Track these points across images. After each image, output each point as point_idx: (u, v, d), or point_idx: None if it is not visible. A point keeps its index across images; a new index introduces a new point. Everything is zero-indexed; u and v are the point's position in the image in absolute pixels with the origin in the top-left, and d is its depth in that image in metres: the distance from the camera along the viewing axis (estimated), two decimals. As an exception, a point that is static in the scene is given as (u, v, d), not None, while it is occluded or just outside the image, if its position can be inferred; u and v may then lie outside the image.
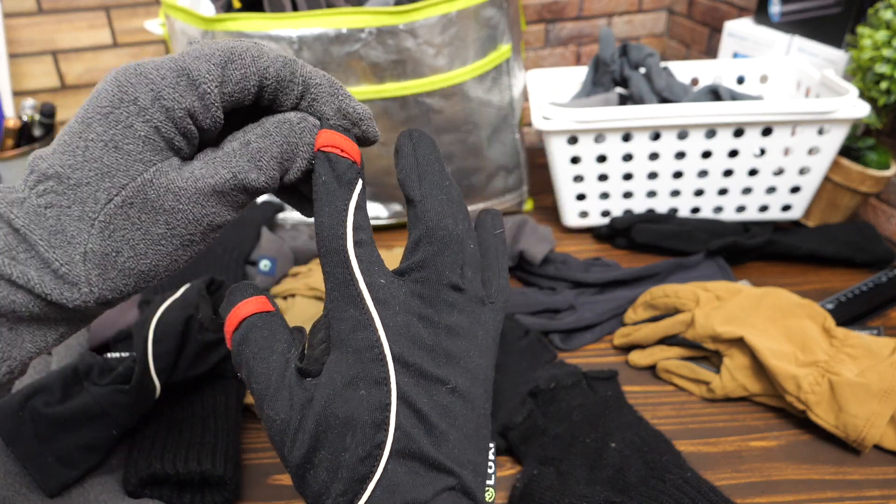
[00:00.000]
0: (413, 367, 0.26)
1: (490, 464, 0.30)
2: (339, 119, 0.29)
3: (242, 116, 0.29)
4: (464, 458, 0.27)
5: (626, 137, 0.73)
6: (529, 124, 0.80)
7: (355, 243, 0.27)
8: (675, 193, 0.78)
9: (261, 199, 0.80)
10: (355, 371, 0.26)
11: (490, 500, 0.29)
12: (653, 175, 0.76)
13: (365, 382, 0.26)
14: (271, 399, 0.27)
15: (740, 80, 0.85)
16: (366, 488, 0.25)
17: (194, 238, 0.27)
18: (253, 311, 0.29)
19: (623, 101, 0.82)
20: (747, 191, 0.77)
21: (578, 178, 0.78)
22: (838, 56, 0.80)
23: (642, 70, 0.80)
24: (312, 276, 0.69)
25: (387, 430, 0.25)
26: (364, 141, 0.31)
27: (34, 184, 0.25)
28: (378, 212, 0.83)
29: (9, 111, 0.96)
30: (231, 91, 0.27)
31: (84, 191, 0.25)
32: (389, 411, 0.25)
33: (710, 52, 1.14)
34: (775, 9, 0.89)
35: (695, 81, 0.85)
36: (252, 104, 0.29)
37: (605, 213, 0.80)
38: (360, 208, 0.28)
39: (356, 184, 0.28)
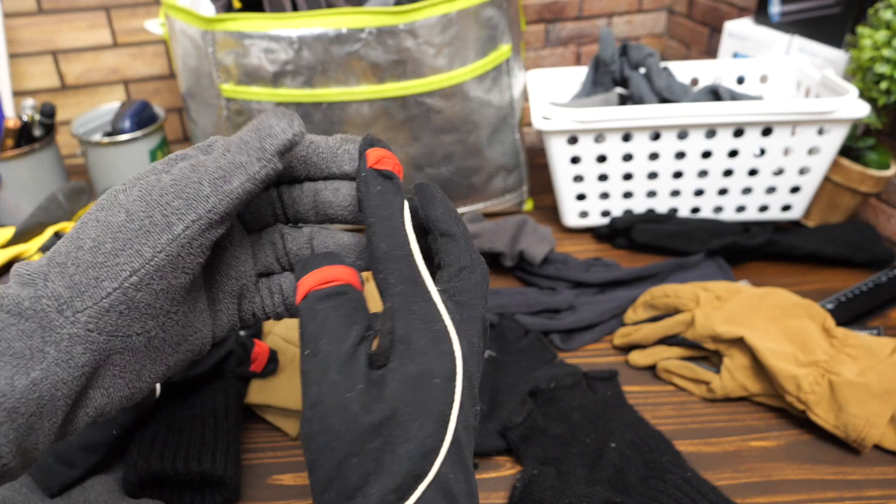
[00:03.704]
0: (469, 372, 0.26)
1: None
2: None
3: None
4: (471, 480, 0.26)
5: (626, 137, 0.73)
6: (529, 124, 0.80)
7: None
8: (675, 193, 0.78)
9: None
10: (429, 361, 0.25)
11: None
12: (653, 175, 0.76)
13: (440, 375, 0.25)
14: (339, 366, 0.25)
15: (740, 80, 0.85)
16: (418, 486, 0.23)
17: (155, 221, 0.25)
18: (348, 280, 0.29)
19: (623, 101, 0.82)
20: (747, 191, 0.77)
21: (578, 178, 0.78)
22: (838, 56, 0.80)
23: (642, 70, 0.80)
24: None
25: (447, 428, 0.24)
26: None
27: None
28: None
29: (9, 111, 0.95)
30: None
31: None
32: (452, 409, 0.25)
33: (710, 52, 1.14)
34: (775, 9, 0.89)
35: (695, 81, 0.85)
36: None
37: (605, 213, 0.80)
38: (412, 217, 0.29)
39: (404, 193, 0.29)
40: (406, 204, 0.29)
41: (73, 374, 0.24)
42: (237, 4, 0.80)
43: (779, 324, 0.57)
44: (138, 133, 0.87)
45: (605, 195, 0.78)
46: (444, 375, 0.25)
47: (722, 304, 0.60)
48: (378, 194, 0.29)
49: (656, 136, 0.72)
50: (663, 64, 0.80)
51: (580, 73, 0.86)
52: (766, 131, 0.71)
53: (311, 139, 0.31)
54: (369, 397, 0.24)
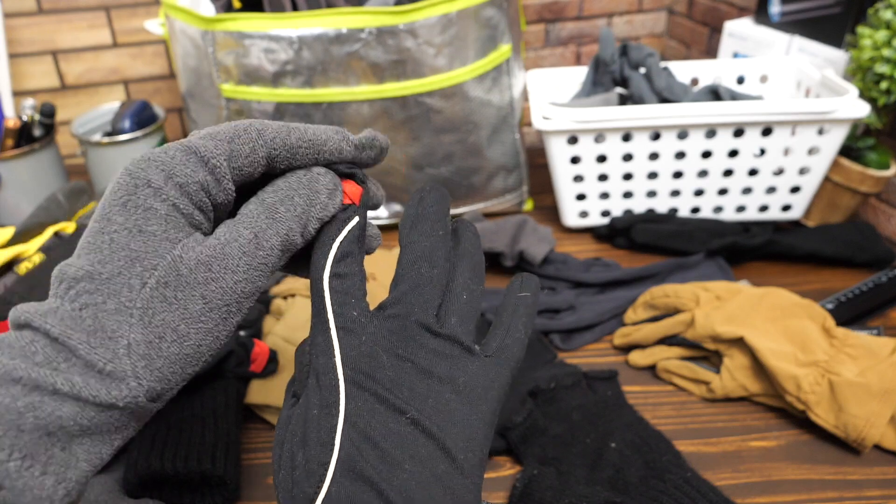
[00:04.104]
0: (368, 392, 0.27)
1: None
2: (358, 152, 0.31)
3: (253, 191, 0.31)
4: (421, 497, 0.25)
5: (626, 137, 0.73)
6: (529, 124, 0.80)
7: (333, 275, 0.29)
8: (675, 193, 0.78)
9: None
10: (315, 394, 0.28)
11: None
12: (653, 175, 0.76)
13: (319, 404, 0.27)
14: (279, 421, 0.29)
15: (740, 80, 0.85)
16: None
17: (231, 309, 0.26)
18: None
19: (623, 101, 0.82)
20: (747, 191, 0.77)
21: (578, 178, 0.78)
22: (838, 56, 0.80)
23: (642, 70, 0.80)
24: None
25: (332, 450, 0.26)
26: (378, 156, 0.33)
27: (65, 291, 0.25)
28: (378, 212, 0.83)
29: (9, 111, 0.95)
30: (241, 165, 0.28)
31: (117, 282, 0.25)
32: (335, 432, 0.26)
33: (710, 52, 1.14)
34: (775, 9, 0.89)
35: (695, 81, 0.85)
36: (264, 176, 0.30)
37: (605, 213, 0.80)
38: (350, 242, 0.30)
39: (350, 221, 0.30)
40: (342, 232, 0.29)
41: (139, 429, 0.27)
42: (237, 4, 0.80)
43: (779, 324, 0.57)
44: (138, 133, 0.87)
45: (605, 195, 0.78)
46: (320, 405, 0.27)
47: (722, 304, 0.60)
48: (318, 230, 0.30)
49: (656, 136, 0.72)
50: (663, 64, 0.80)
51: (580, 73, 0.86)
52: (766, 131, 0.71)
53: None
54: (279, 438, 0.29)
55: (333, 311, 0.28)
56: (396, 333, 0.29)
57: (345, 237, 0.29)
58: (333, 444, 0.26)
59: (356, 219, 0.30)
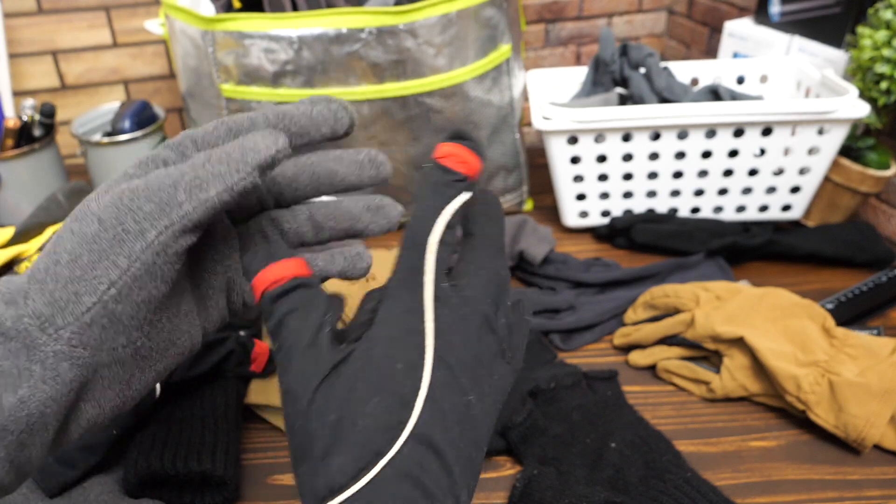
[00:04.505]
0: (446, 365, 0.27)
1: None
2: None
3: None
4: (463, 475, 0.26)
5: (626, 137, 0.73)
6: (529, 124, 0.80)
7: (441, 241, 0.28)
8: (675, 193, 0.78)
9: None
10: (396, 348, 0.26)
11: None
12: (653, 175, 0.76)
13: (404, 361, 0.26)
14: (301, 354, 0.27)
15: (740, 80, 0.85)
16: (377, 462, 0.24)
17: (127, 226, 0.25)
18: (295, 273, 0.29)
19: (623, 101, 0.82)
20: (747, 191, 0.77)
21: (578, 178, 0.78)
22: (838, 56, 0.80)
23: (642, 70, 0.80)
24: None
25: (411, 411, 0.25)
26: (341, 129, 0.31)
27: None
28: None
29: (9, 111, 0.95)
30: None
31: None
32: (418, 395, 0.25)
33: (710, 52, 1.14)
34: (775, 9, 0.89)
35: (695, 81, 0.85)
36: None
37: (605, 213, 0.80)
38: (458, 215, 0.29)
39: (464, 193, 0.29)
40: (455, 201, 0.28)
41: (62, 390, 0.24)
42: (237, 4, 0.80)
43: (779, 324, 0.57)
44: (138, 133, 0.87)
45: (605, 195, 0.78)
46: (406, 362, 0.26)
47: (722, 304, 0.60)
48: (427, 185, 0.29)
49: (656, 136, 0.72)
50: (663, 64, 0.80)
51: (580, 73, 0.86)
52: (766, 131, 0.71)
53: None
54: (329, 376, 0.26)
55: (435, 278, 0.27)
56: (468, 319, 0.28)
57: (458, 208, 0.28)
58: (414, 406, 0.25)
59: (470, 194, 0.29)
